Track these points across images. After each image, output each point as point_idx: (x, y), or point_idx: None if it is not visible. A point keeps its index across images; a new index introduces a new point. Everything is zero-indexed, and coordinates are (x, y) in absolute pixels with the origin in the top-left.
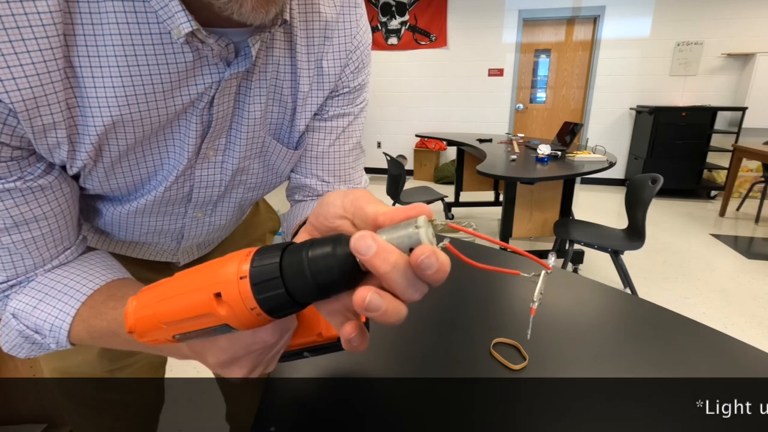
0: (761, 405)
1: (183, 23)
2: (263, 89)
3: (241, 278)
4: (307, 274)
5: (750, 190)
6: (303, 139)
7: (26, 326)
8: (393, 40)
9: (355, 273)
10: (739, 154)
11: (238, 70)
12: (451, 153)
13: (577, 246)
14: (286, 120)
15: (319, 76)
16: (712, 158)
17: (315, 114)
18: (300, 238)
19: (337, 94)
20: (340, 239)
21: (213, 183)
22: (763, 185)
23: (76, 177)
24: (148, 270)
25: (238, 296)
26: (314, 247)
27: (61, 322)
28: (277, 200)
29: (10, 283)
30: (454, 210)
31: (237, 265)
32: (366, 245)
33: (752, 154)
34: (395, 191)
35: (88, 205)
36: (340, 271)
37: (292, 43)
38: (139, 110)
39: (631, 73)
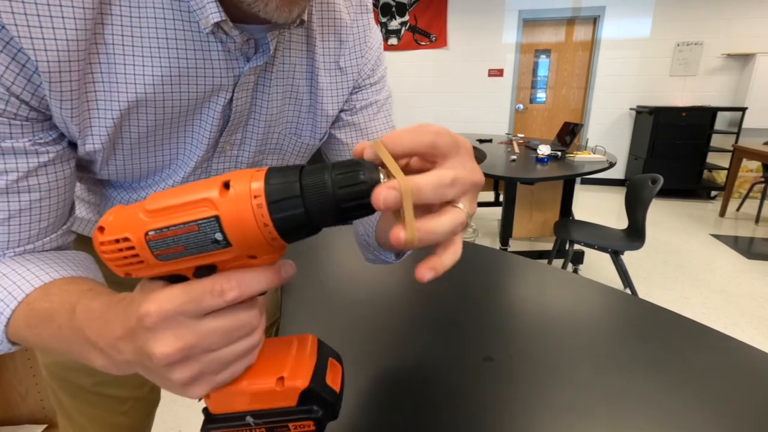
0: (761, 405)
1: (212, 13)
2: (279, 86)
3: (255, 197)
4: (331, 197)
5: (750, 190)
6: (326, 133)
7: None
8: (393, 41)
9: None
10: (739, 154)
11: (257, 63)
12: None
13: (577, 246)
14: (302, 116)
15: (337, 74)
16: (712, 158)
17: (343, 110)
18: None
19: (359, 89)
20: (364, 164)
21: None
22: (763, 185)
23: (91, 163)
24: None
25: (247, 191)
26: (337, 170)
27: (5, 306)
28: None
29: None
30: None
31: (249, 180)
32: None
33: (752, 154)
34: None
35: (100, 193)
36: (366, 196)
37: (309, 44)
38: (162, 91)
39: (631, 73)
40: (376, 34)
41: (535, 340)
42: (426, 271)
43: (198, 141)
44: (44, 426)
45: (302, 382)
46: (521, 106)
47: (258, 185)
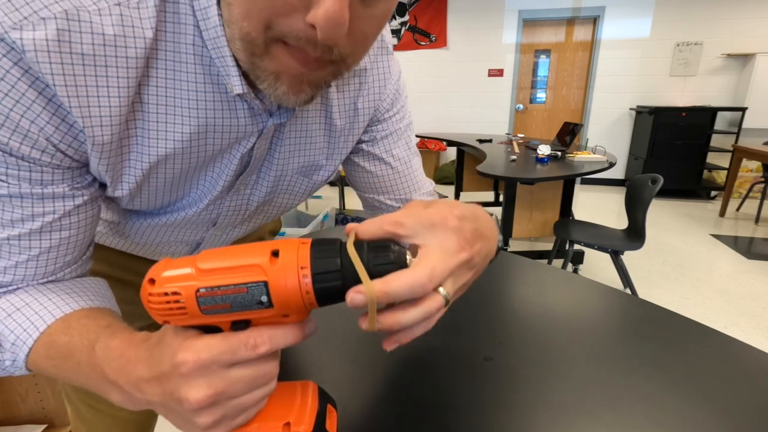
0: (761, 405)
1: (236, 85)
2: (294, 132)
3: (302, 268)
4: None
5: (750, 190)
6: (334, 172)
7: None
8: (393, 41)
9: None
10: (739, 154)
11: (279, 121)
12: (451, 153)
13: (577, 246)
14: (315, 158)
15: (354, 115)
16: (712, 158)
17: (363, 141)
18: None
19: (379, 121)
20: (393, 248)
21: (238, 212)
22: (763, 185)
23: (116, 198)
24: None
25: (295, 262)
26: (372, 252)
27: (27, 336)
28: None
29: (0, 291)
30: None
31: (296, 251)
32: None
33: (752, 154)
34: None
35: (118, 212)
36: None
37: (327, 91)
38: (190, 146)
39: (631, 73)
40: (396, 67)
41: (535, 340)
42: (390, 344)
43: (216, 183)
44: (44, 426)
45: (306, 428)
46: (521, 106)
47: (304, 257)
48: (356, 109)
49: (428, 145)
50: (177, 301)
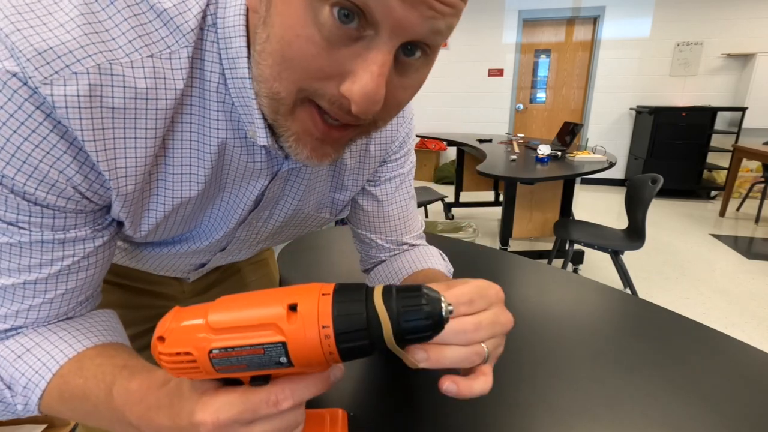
0: (761, 405)
1: (261, 137)
2: (307, 172)
3: (323, 327)
4: (395, 331)
5: (750, 190)
6: (345, 208)
7: (0, 378)
8: None
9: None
10: (739, 154)
11: (296, 165)
12: (451, 153)
13: (577, 246)
14: (325, 196)
15: (366, 156)
16: (712, 158)
17: (368, 181)
18: None
19: (386, 162)
20: (427, 296)
21: (248, 241)
22: (763, 185)
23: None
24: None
25: (315, 321)
26: (402, 302)
27: (40, 378)
28: None
29: (9, 333)
30: (454, 210)
31: (316, 305)
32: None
33: (752, 154)
34: None
35: (130, 240)
36: (430, 328)
37: None
38: (207, 188)
39: (631, 73)
40: (409, 110)
41: (535, 339)
42: (448, 384)
43: (229, 219)
44: (44, 426)
45: None
46: (521, 106)
47: (326, 314)
48: (368, 151)
49: (428, 145)
50: (190, 361)
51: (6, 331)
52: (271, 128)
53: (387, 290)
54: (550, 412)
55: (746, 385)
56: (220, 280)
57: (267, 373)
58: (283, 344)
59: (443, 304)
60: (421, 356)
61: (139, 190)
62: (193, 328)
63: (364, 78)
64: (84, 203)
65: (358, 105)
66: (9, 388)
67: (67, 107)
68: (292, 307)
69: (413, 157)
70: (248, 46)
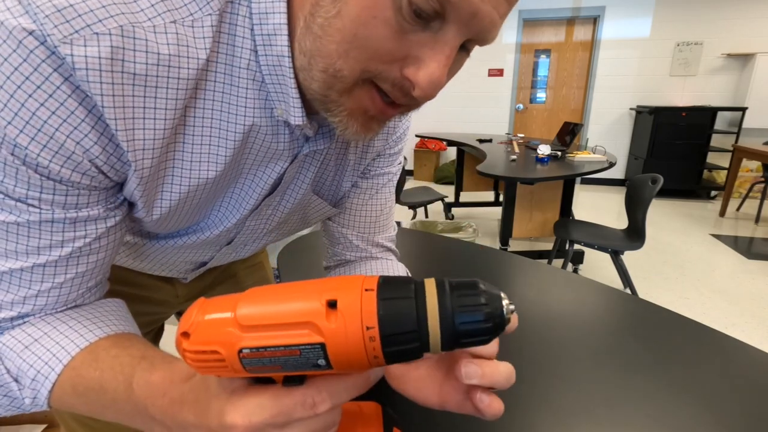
0: (761, 405)
1: (297, 117)
2: (319, 158)
3: (367, 328)
4: (451, 333)
5: (750, 190)
6: (343, 198)
7: (7, 370)
8: None
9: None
10: (739, 154)
11: (317, 147)
12: (451, 153)
13: (577, 246)
14: (328, 181)
15: (365, 149)
16: (712, 158)
17: (361, 173)
18: None
19: (380, 156)
20: (486, 291)
21: (256, 232)
22: (763, 185)
23: (139, 220)
24: (150, 278)
25: (358, 321)
26: (458, 301)
27: (50, 370)
28: None
29: (16, 322)
30: (454, 210)
31: (359, 302)
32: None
33: (752, 154)
34: (395, 191)
35: (138, 232)
36: (490, 331)
37: None
38: (227, 169)
39: (631, 73)
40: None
41: (535, 339)
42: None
43: (244, 205)
44: (44, 426)
45: None
46: (521, 106)
47: (370, 313)
48: (368, 144)
49: (428, 145)
50: (217, 360)
51: (12, 319)
52: (305, 106)
53: (440, 285)
54: (550, 412)
55: (746, 385)
56: (216, 284)
57: (303, 374)
58: (322, 346)
59: (504, 302)
60: (474, 372)
61: (155, 165)
62: (220, 322)
63: (431, 66)
64: (99, 179)
65: (424, 90)
66: (16, 381)
67: (87, 69)
68: (331, 304)
69: (401, 159)
70: (288, 23)
